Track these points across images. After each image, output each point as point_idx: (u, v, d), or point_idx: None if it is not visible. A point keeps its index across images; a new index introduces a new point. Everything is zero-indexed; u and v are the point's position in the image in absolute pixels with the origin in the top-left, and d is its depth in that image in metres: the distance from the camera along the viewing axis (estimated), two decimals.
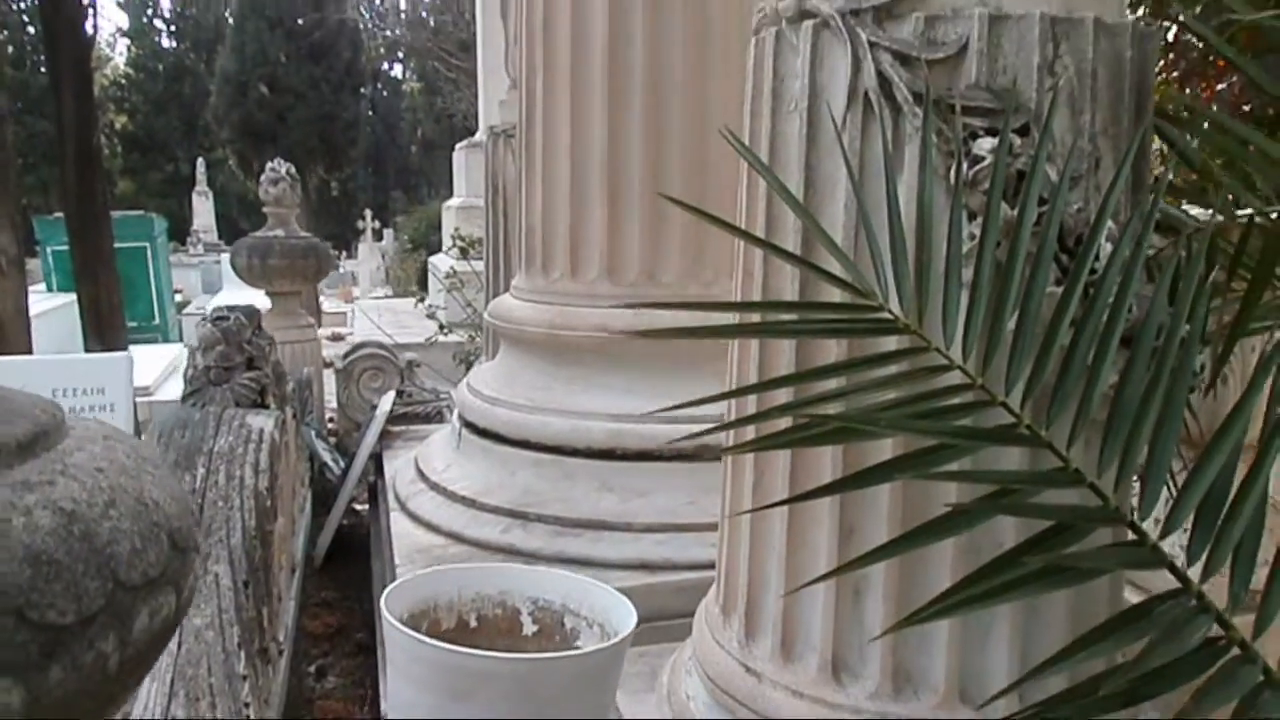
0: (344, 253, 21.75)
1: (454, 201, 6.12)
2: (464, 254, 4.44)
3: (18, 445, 0.49)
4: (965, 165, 1.01)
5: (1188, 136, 1.26)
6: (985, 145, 1.01)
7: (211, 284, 18.24)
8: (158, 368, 6.15)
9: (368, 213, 18.26)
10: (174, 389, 6.01)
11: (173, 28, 25.63)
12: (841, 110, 1.08)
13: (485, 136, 3.66)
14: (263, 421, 1.85)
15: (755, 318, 1.22)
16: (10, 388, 0.58)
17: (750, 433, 1.10)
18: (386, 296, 13.86)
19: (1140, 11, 3.95)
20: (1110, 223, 1.03)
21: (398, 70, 23.45)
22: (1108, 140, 1.08)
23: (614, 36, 2.00)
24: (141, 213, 12.91)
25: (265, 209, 3.98)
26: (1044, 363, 0.94)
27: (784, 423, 0.94)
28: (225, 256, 19.15)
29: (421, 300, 4.46)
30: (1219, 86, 3.67)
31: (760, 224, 1.17)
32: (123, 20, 25.72)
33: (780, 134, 1.16)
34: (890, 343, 0.98)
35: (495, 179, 3.19)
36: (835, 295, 1.00)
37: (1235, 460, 0.90)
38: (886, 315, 0.96)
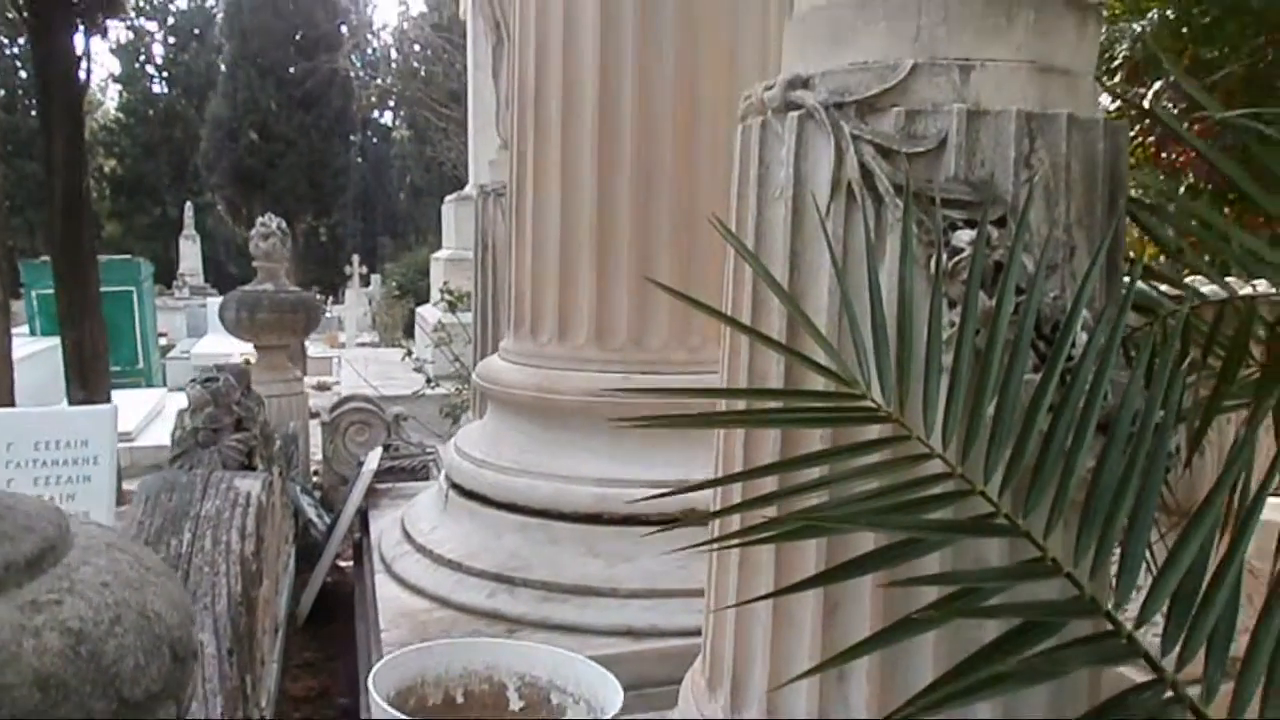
0: (331, 298, 21.77)
1: (443, 253, 6.16)
2: (452, 308, 4.47)
3: (26, 563, 0.50)
4: (945, 256, 1.04)
5: (1164, 220, 1.30)
6: (964, 237, 1.04)
7: (197, 328, 18.20)
8: (140, 413, 6.11)
9: (355, 258, 18.31)
10: (156, 434, 5.98)
11: (165, 74, 25.85)
12: (825, 199, 1.11)
13: (475, 193, 3.71)
14: (250, 484, 1.85)
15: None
16: (15, 493, 0.59)
17: (735, 521, 1.12)
18: (373, 343, 13.86)
19: (1118, 78, 4.06)
20: (1085, 311, 1.07)
21: (388, 118, 23.71)
22: (1082, 230, 1.12)
23: (604, 106, 2.05)
24: (128, 257, 12.91)
25: (255, 263, 4.00)
26: (1023, 449, 0.97)
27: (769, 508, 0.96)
28: (211, 300, 19.14)
29: (409, 354, 4.47)
30: (1194, 154, 3.77)
31: (746, 306, 1.20)
32: (115, 66, 25.91)
33: (766, 220, 1.19)
34: (873, 430, 1.01)
35: (485, 236, 3.22)
36: (819, 380, 1.03)
37: (1209, 550, 0.92)
38: (869, 403, 0.98)
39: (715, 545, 1.12)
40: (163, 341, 14.92)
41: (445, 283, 5.01)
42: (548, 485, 2.03)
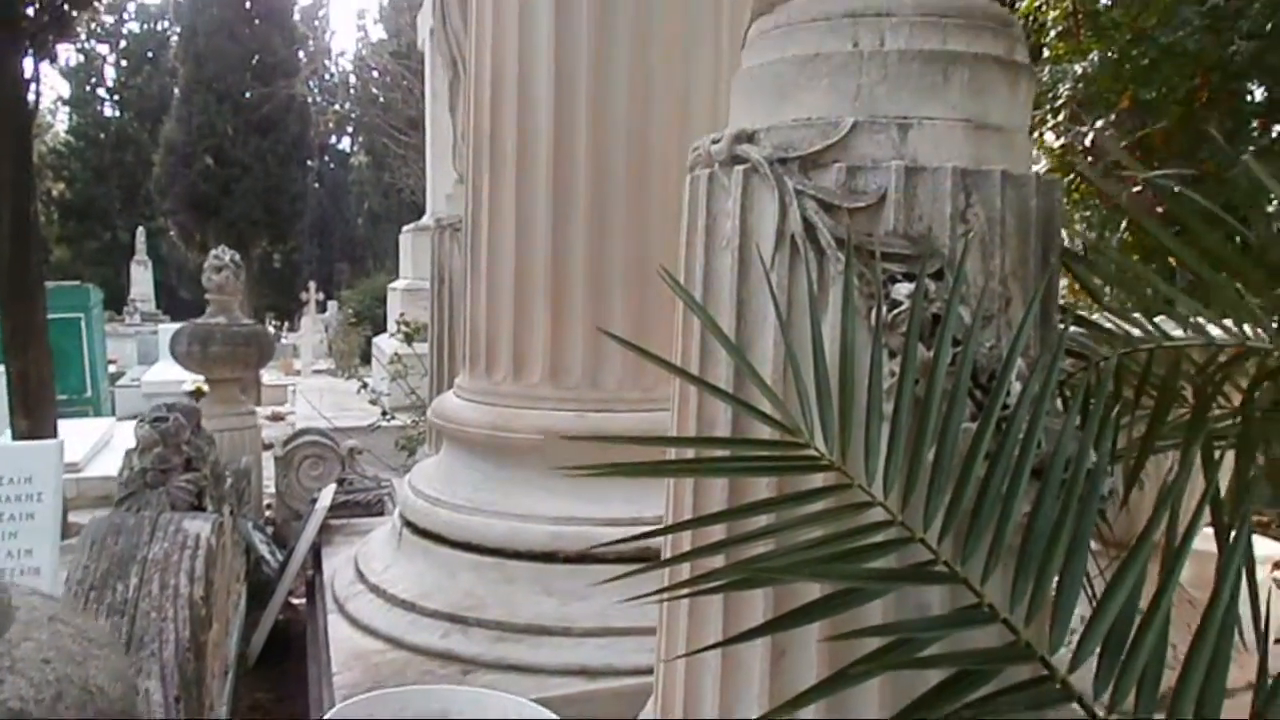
0: (286, 324, 21.51)
1: (399, 283, 6.14)
2: (408, 339, 4.46)
3: None
4: (885, 308, 1.08)
5: (1094, 270, 1.35)
6: (903, 290, 1.08)
7: (148, 355, 17.87)
8: (88, 443, 5.98)
9: (312, 285, 18.12)
10: (104, 465, 5.86)
11: (116, 97, 25.51)
12: (770, 251, 1.14)
13: (432, 224, 3.71)
14: (199, 526, 1.83)
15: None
16: None
17: (685, 567, 1.13)
18: (330, 370, 13.69)
19: (1060, 117, 4.18)
20: (1021, 359, 1.10)
21: (346, 143, 23.60)
22: (1017, 281, 1.16)
23: (559, 148, 2.07)
24: (78, 283, 12.67)
25: (208, 295, 3.96)
26: (961, 496, 1.00)
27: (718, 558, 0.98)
28: (163, 327, 18.81)
29: (364, 385, 4.44)
30: (1135, 189, 3.89)
31: (695, 353, 1.22)
32: (65, 88, 25.53)
33: (713, 269, 1.22)
34: (817, 478, 1.03)
35: (441, 270, 3.23)
36: (765, 428, 1.05)
37: (1140, 592, 0.95)
38: (812, 452, 1.01)
39: (665, 596, 1.13)
40: (112, 369, 14.62)
41: (401, 314, 5.00)
42: (502, 524, 2.03)
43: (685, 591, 1.00)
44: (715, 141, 1.22)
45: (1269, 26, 3.66)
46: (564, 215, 2.08)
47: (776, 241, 1.14)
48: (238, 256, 3.99)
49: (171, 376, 9.36)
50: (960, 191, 1.12)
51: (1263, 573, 2.33)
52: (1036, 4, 4.08)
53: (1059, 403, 1.30)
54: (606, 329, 2.10)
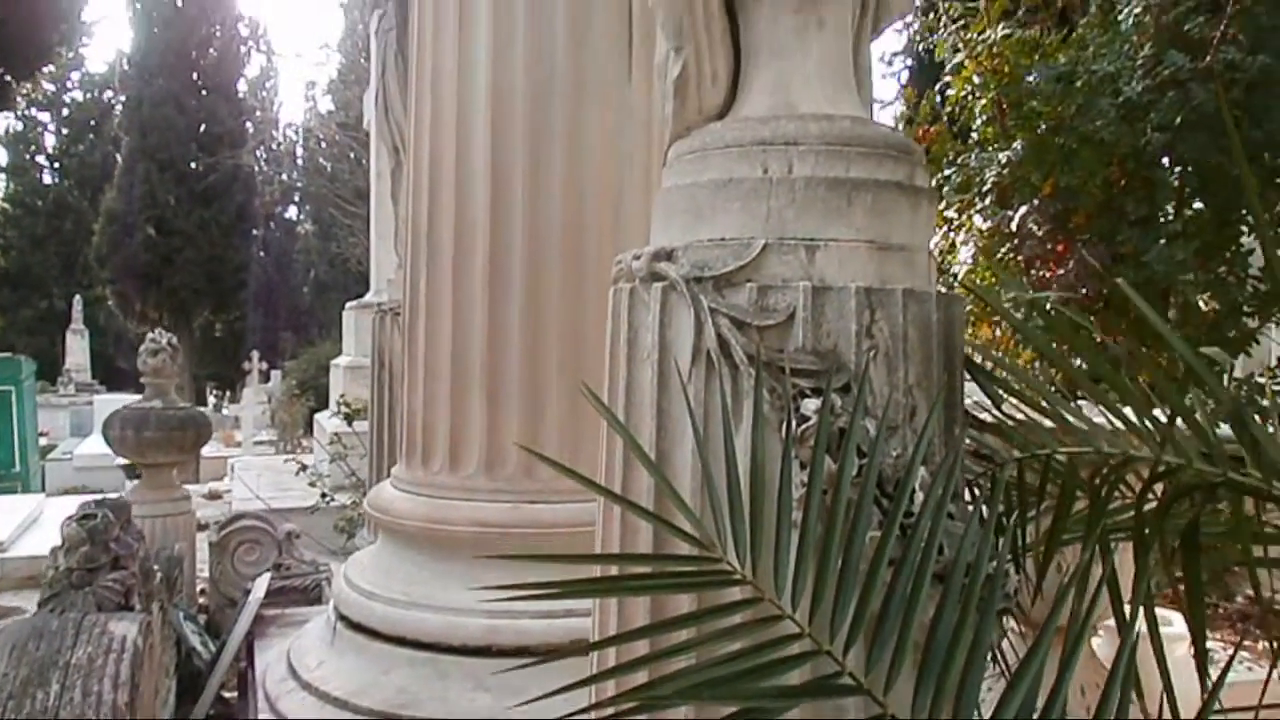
0: (228, 393, 21.11)
1: (342, 360, 6.12)
2: (349, 420, 4.43)
3: None
4: (795, 422, 1.13)
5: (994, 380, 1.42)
6: (811, 405, 1.13)
7: (81, 427, 17.40)
8: (14, 521, 5.78)
9: (255, 354, 17.87)
10: (32, 544, 5.66)
11: (56, 165, 25.23)
12: (687, 365, 1.19)
13: (374, 302, 3.73)
14: (126, 628, 1.80)
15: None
16: None
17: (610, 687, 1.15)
18: (271, 440, 13.46)
19: (988, 201, 4.36)
20: (924, 469, 1.16)
21: (292, 212, 23.53)
22: (921, 391, 1.22)
23: (495, 243, 2.13)
24: (9, 355, 12.38)
25: (143, 379, 3.91)
26: (867, 604, 1.04)
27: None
28: (98, 398, 18.35)
29: (304, 468, 4.39)
30: (1059, 271, 4.06)
31: (619, 463, 1.26)
32: (1, 156, 25.18)
33: (635, 380, 1.26)
34: (735, 592, 1.07)
35: (382, 354, 3.24)
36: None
37: (1035, 694, 1.00)
38: (726, 567, 1.05)
39: (592, 714, 1.15)
40: (43, 441, 14.21)
41: (342, 395, 4.97)
42: (437, 618, 2.02)
43: (610, 710, 1.02)
44: (636, 258, 1.28)
45: (1178, 119, 3.88)
46: (500, 307, 2.12)
47: (693, 357, 1.19)
48: (174, 339, 3.95)
49: (105, 450, 9.14)
50: (865, 309, 1.18)
51: (1182, 648, 2.40)
52: (964, 93, 4.28)
53: (968, 503, 1.36)
54: (541, 419, 2.14)
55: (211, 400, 20.80)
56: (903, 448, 1.20)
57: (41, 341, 23.91)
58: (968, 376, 1.34)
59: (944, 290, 1.28)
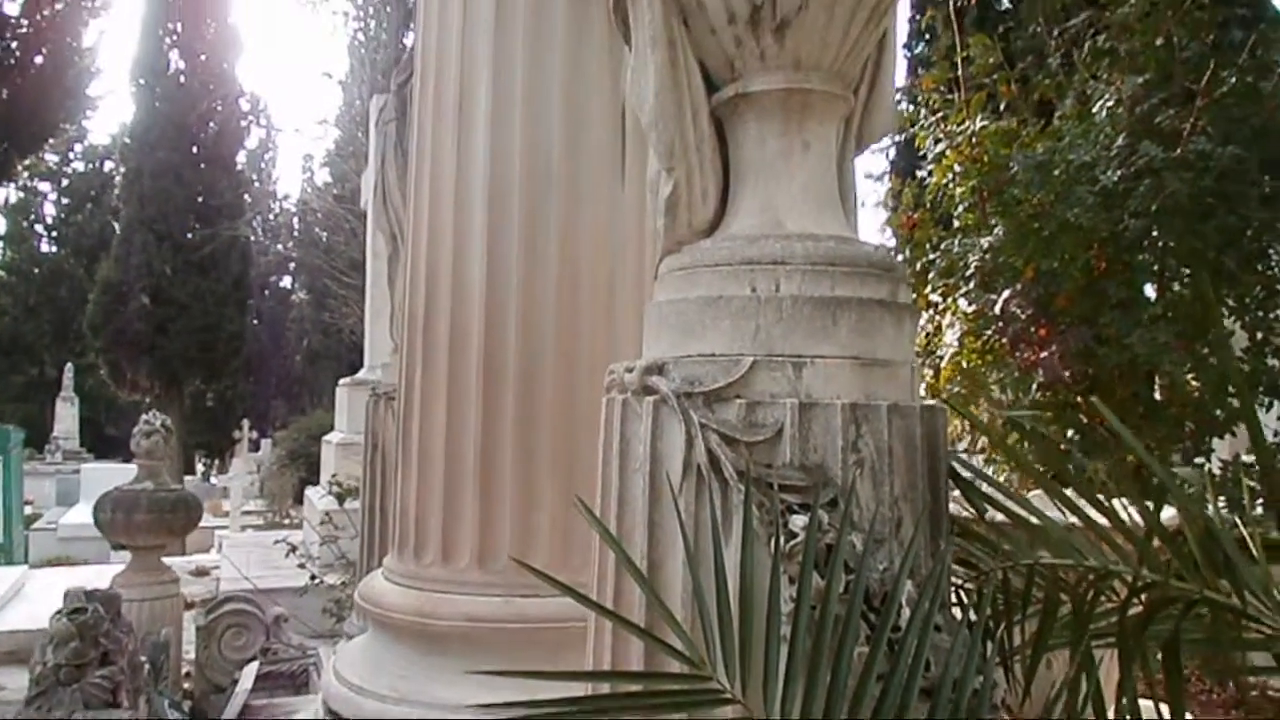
0: (216, 461, 20.96)
1: (334, 437, 6.12)
2: (340, 500, 4.43)
3: None
4: (783, 538, 1.16)
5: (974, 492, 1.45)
6: (798, 522, 1.16)
7: (68, 495, 17.21)
8: None
9: (245, 423, 17.81)
10: (14, 618, 5.57)
11: (54, 233, 25.42)
12: (678, 478, 1.23)
13: (368, 377, 3.76)
14: None
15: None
16: None
17: None
18: (260, 512, 13.34)
19: (971, 285, 4.43)
20: (910, 583, 1.18)
21: (287, 281, 23.67)
22: (907, 503, 1.25)
23: (490, 337, 2.17)
24: None
25: (136, 461, 3.91)
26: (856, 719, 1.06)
27: None
28: (86, 466, 18.18)
29: (293, 549, 4.37)
30: (1043, 355, 4.12)
31: (611, 572, 1.28)
32: (0, 224, 25.37)
33: (627, 490, 1.29)
34: (726, 711, 1.08)
35: (375, 438, 3.26)
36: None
37: None
38: (716, 685, 1.06)
39: None
40: (28, 510, 14.05)
41: (334, 475, 4.97)
42: (427, 715, 2.01)
43: None
44: (629, 370, 1.32)
45: (1154, 207, 3.97)
46: (494, 401, 2.15)
47: (684, 470, 1.22)
48: (168, 421, 3.97)
49: (89, 520, 9.04)
50: (851, 424, 1.22)
51: None
52: (946, 180, 4.39)
53: (955, 603, 1.38)
54: (535, 511, 2.16)
55: (200, 468, 20.66)
56: (889, 561, 1.22)
57: (31, 408, 23.80)
58: (952, 485, 1.37)
59: (927, 402, 1.32)
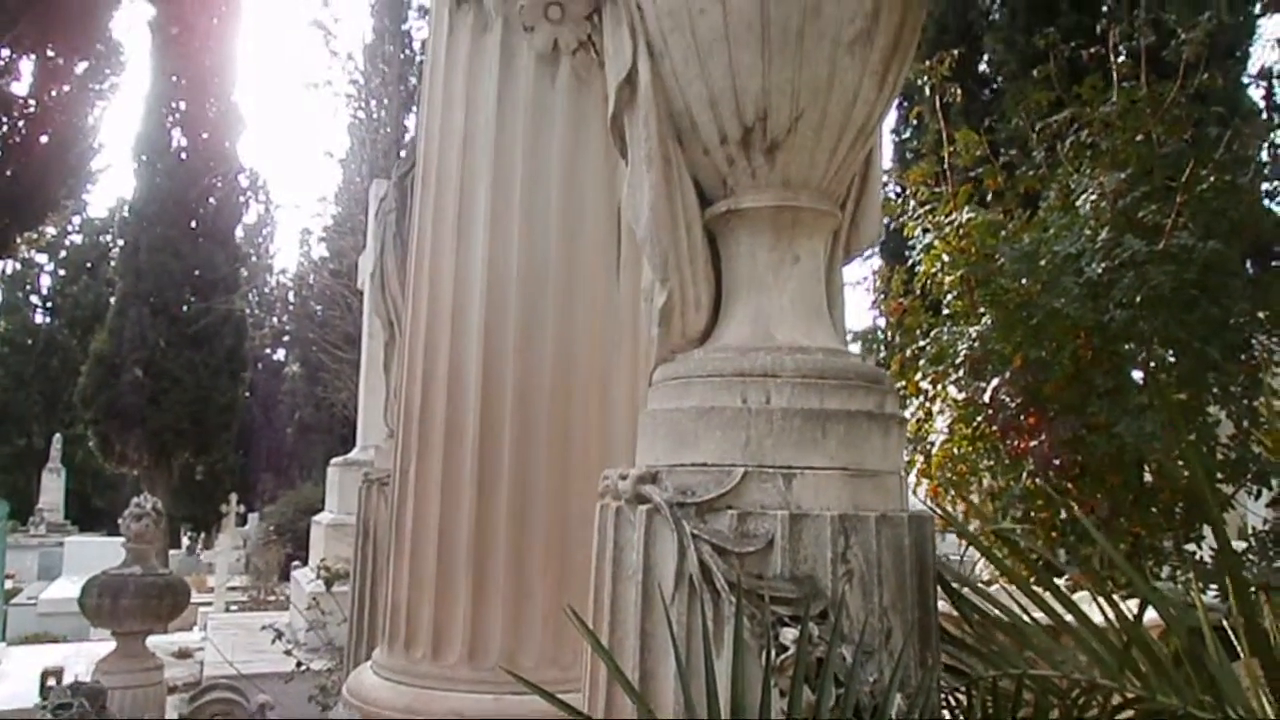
0: (202, 535, 20.69)
1: (324, 518, 6.08)
2: (329, 585, 4.39)
3: None
4: (774, 652, 1.17)
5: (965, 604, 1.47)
6: (789, 635, 1.17)
7: (50, 569, 16.95)
8: None
9: (233, 497, 17.66)
10: None
11: (49, 304, 25.53)
12: (670, 588, 1.24)
13: (360, 457, 3.76)
14: None
15: None
16: None
17: None
18: (244, 588, 13.14)
19: (961, 373, 4.49)
20: (900, 697, 1.20)
21: (280, 353, 23.72)
22: (897, 613, 1.27)
23: (485, 432, 2.19)
24: None
25: (125, 545, 3.88)
26: None
27: None
28: (69, 540, 17.92)
29: (279, 636, 4.31)
30: (1032, 443, 4.15)
31: (603, 684, 1.29)
32: None
33: (620, 597, 1.31)
34: None
35: (367, 524, 3.26)
36: None
37: None
38: None
39: None
40: (9, 584, 13.82)
41: (323, 559, 4.93)
42: None
43: None
44: (623, 478, 1.34)
45: (1138, 298, 4.05)
46: (488, 496, 2.17)
47: (676, 580, 1.24)
48: (159, 504, 3.95)
49: (70, 595, 8.89)
50: (840, 535, 1.24)
51: None
52: (934, 270, 4.48)
53: (945, 713, 1.39)
54: (527, 607, 2.16)
55: (186, 541, 20.39)
56: (879, 672, 1.23)
57: (17, 479, 23.57)
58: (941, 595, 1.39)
59: (915, 511, 1.34)
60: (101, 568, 4.02)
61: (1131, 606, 1.32)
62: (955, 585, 1.37)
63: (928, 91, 4.73)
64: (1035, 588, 1.36)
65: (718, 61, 1.38)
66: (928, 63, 4.64)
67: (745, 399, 1.31)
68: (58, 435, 21.70)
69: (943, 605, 1.40)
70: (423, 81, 2.58)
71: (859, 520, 1.26)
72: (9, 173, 9.66)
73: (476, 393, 2.19)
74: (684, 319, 1.44)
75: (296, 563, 10.83)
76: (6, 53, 9.59)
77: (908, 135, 9.52)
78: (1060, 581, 3.79)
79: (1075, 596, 1.69)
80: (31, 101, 9.96)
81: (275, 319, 19.05)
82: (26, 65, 10.01)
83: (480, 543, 2.16)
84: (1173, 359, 4.26)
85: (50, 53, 9.97)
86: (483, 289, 2.23)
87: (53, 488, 21.35)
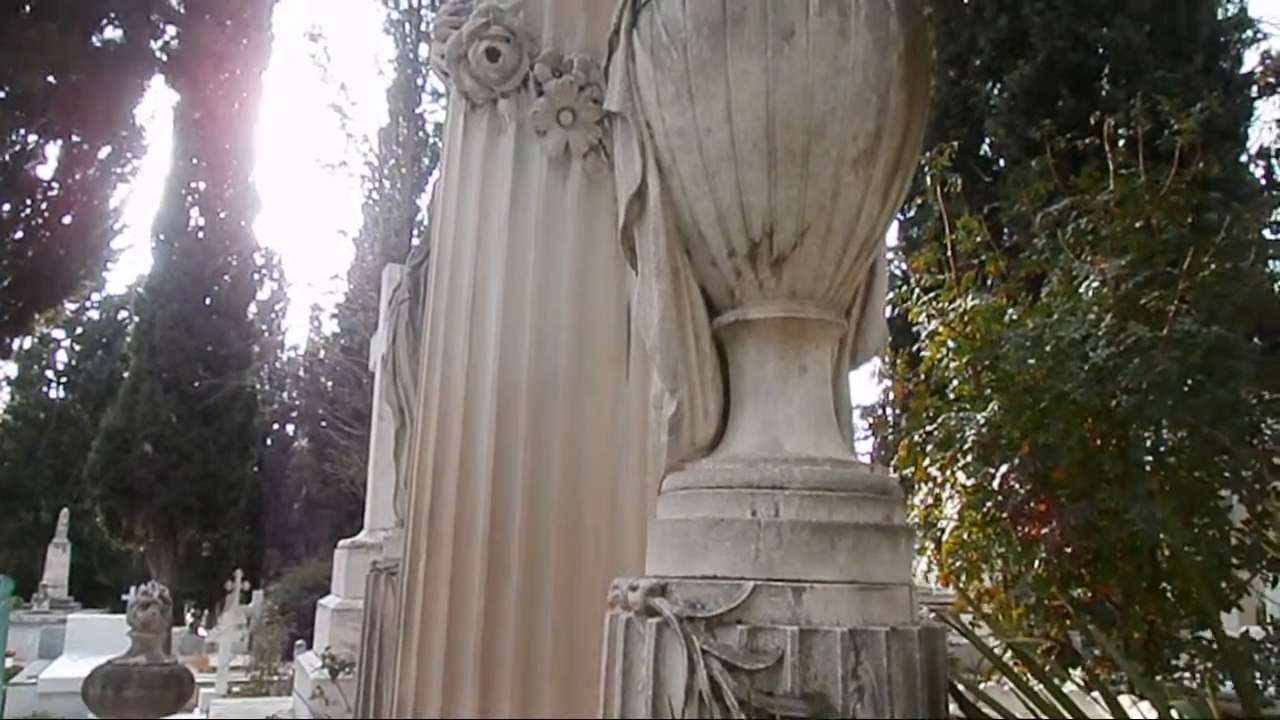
0: (206, 612, 20.44)
1: (330, 601, 6.03)
2: (334, 674, 4.34)
3: None
4: None
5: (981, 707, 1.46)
6: None
7: (52, 648, 16.71)
8: None
9: (238, 574, 17.48)
10: None
11: (64, 379, 25.72)
12: (680, 704, 1.24)
13: (370, 561, 3.75)
14: None
15: None
16: None
17: None
18: (246, 667, 12.94)
19: (969, 458, 4.47)
20: None
21: (289, 428, 23.75)
22: None
23: (494, 532, 2.20)
24: None
25: (130, 633, 3.86)
26: None
27: None
28: (72, 617, 17.72)
29: None
30: (1043, 530, 4.12)
31: None
32: (11, 369, 25.71)
33: (629, 711, 1.30)
34: None
35: (374, 615, 3.24)
36: None
37: None
38: None
39: None
40: (10, 663, 13.65)
41: (328, 647, 4.88)
42: None
43: None
44: (633, 589, 1.35)
45: (1144, 384, 4.05)
46: (497, 596, 2.16)
47: (686, 696, 1.24)
48: (166, 592, 3.94)
49: (72, 674, 8.77)
50: (850, 651, 1.24)
51: None
52: (939, 356, 4.51)
53: None
54: (535, 709, 2.14)
55: (189, 618, 20.13)
56: None
57: (22, 554, 23.42)
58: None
59: (927, 625, 1.34)
60: (103, 647, 4.00)
61: (1145, 706, 1.31)
62: (968, 696, 1.36)
63: (929, 181, 4.82)
64: (1046, 694, 1.35)
65: (725, 179, 1.43)
66: (928, 154, 4.74)
67: (754, 511, 1.32)
68: (65, 510, 21.66)
69: (954, 710, 1.39)
70: (438, 182, 2.66)
71: (869, 635, 1.26)
72: (31, 253, 9.86)
73: (487, 492, 2.20)
74: (693, 428, 1.47)
75: (301, 643, 10.69)
76: (33, 138, 9.87)
77: (912, 214, 9.65)
78: (1077, 674, 3.73)
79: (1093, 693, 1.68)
80: (55, 184, 10.21)
81: (285, 395, 19.15)
82: (52, 149, 10.30)
83: (488, 642, 2.15)
84: (1182, 443, 4.25)
85: (75, 137, 10.26)
86: (494, 388, 2.26)
87: (58, 563, 21.20)
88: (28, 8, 9.09)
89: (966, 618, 4.56)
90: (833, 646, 1.24)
